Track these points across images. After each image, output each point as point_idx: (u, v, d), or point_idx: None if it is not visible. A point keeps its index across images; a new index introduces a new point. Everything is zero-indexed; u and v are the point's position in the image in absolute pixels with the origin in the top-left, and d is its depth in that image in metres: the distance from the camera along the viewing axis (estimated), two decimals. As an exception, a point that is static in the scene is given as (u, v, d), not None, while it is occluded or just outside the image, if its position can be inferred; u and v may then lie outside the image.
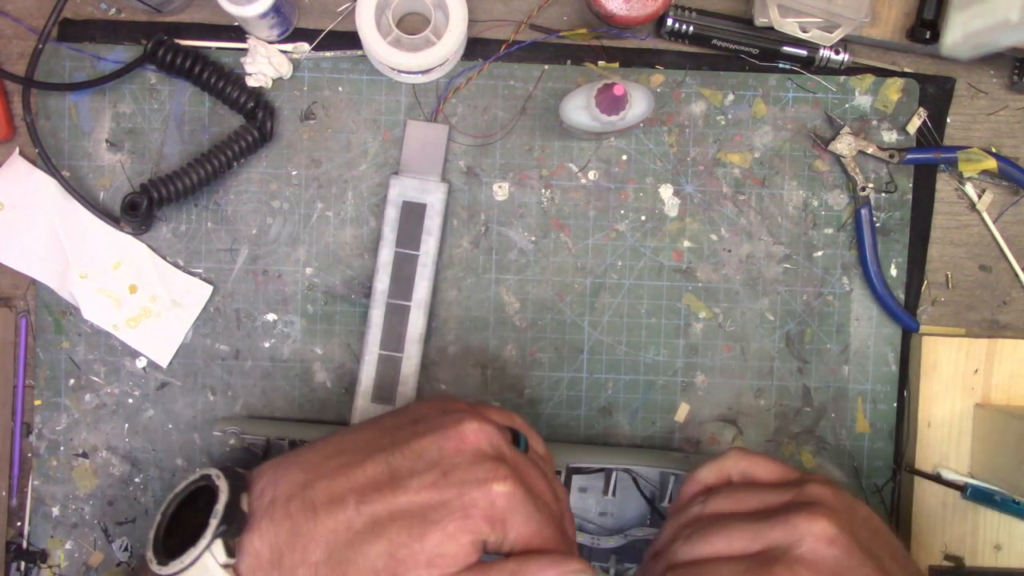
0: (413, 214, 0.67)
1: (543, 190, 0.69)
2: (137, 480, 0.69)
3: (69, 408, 0.69)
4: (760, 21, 0.66)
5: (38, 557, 0.69)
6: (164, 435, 0.69)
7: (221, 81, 0.65)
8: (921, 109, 0.69)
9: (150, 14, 0.68)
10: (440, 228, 0.67)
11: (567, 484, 0.64)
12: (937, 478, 0.68)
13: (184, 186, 0.65)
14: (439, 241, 0.68)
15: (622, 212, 0.69)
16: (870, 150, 0.68)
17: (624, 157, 0.69)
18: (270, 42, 0.67)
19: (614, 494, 0.65)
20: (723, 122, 0.69)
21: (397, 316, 0.67)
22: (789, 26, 0.65)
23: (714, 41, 0.68)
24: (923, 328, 0.70)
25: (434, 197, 0.67)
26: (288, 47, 0.67)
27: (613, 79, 0.59)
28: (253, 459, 0.67)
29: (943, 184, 0.70)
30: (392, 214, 0.67)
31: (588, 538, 0.68)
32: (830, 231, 0.70)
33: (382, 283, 0.67)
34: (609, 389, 0.70)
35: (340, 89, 0.68)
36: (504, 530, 0.47)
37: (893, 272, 0.70)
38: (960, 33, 0.54)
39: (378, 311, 0.67)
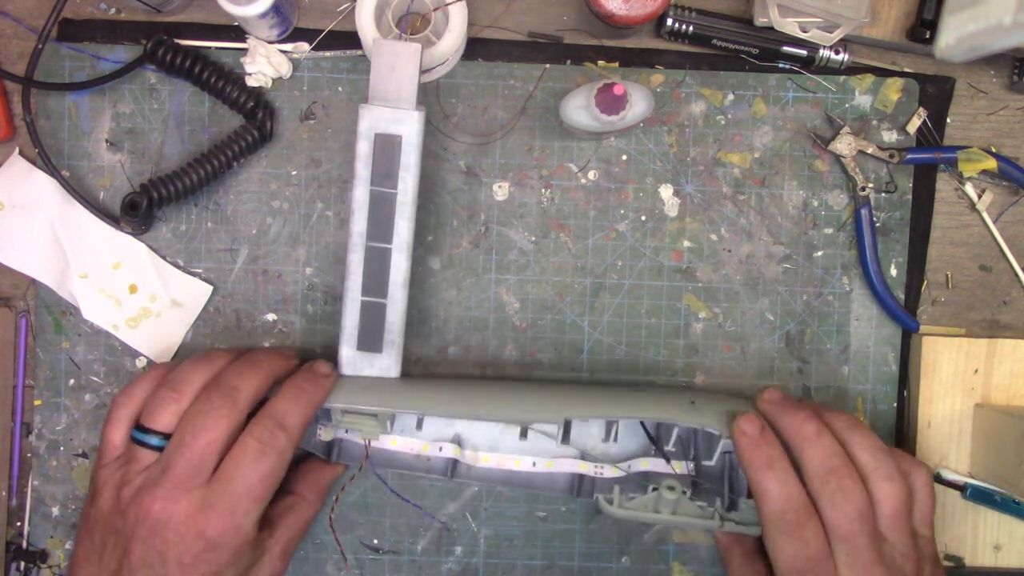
0: (387, 147, 0.60)
1: (543, 190, 0.69)
2: (137, 480, 0.69)
3: (69, 408, 0.69)
4: (760, 21, 0.66)
5: (38, 557, 0.69)
6: (164, 435, 0.69)
7: (221, 81, 0.65)
8: (921, 109, 0.69)
9: (150, 14, 0.68)
10: (418, 163, 0.61)
11: (565, 433, 0.63)
12: (937, 478, 0.68)
13: (184, 186, 0.65)
14: (417, 178, 0.62)
15: (622, 212, 0.69)
16: (870, 150, 0.68)
17: (624, 157, 0.69)
18: (270, 42, 0.67)
19: (616, 440, 0.62)
20: (723, 122, 0.69)
21: (377, 260, 0.62)
22: (789, 26, 0.65)
23: (714, 41, 0.68)
24: (923, 328, 0.70)
25: (409, 128, 0.60)
26: (288, 47, 0.67)
27: (613, 79, 0.59)
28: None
29: (943, 184, 0.70)
30: (364, 148, 0.61)
31: (591, 467, 0.66)
32: (830, 231, 0.70)
33: (359, 225, 0.62)
34: (609, 389, 0.70)
35: (340, 89, 0.68)
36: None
37: (893, 272, 0.70)
38: (954, 36, 0.54)
39: (356, 255, 0.62)
